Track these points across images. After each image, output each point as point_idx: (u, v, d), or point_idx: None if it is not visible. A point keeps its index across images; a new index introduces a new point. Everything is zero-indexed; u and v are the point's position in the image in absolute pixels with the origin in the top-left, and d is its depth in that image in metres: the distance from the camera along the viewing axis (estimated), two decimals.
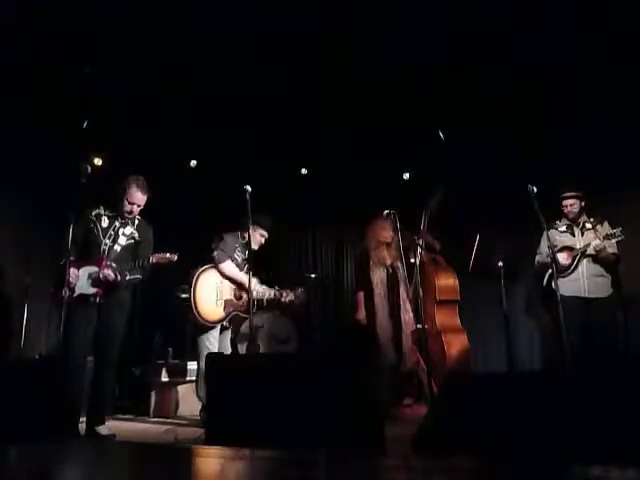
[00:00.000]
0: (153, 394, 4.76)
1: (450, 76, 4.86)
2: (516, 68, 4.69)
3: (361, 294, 4.48)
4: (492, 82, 4.86)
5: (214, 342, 4.04)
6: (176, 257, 3.64)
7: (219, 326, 4.07)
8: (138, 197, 3.65)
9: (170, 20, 4.24)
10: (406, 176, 6.45)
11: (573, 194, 4.42)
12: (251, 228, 3.98)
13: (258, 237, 4.22)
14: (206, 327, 4.03)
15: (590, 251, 4.28)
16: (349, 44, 4.53)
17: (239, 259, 4.22)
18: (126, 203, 3.64)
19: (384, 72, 4.90)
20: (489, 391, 1.49)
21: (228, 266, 4.10)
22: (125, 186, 3.64)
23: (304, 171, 6.43)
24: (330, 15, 4.17)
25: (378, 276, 4.42)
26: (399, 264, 4.40)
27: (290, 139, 5.67)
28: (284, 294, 4.18)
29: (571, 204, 4.41)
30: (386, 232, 4.40)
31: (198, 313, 3.98)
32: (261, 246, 4.28)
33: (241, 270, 4.17)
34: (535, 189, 3.77)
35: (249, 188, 3.69)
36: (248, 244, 3.84)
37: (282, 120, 5.44)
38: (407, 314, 4.33)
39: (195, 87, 5.03)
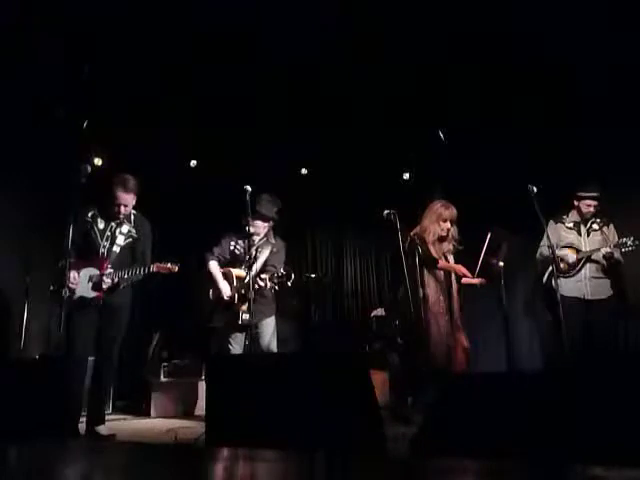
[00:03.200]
0: (153, 394, 4.76)
1: (450, 76, 4.86)
2: (516, 68, 4.69)
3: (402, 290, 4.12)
4: (492, 82, 4.86)
5: (235, 345, 4.07)
6: (177, 268, 3.62)
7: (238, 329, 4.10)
8: (123, 197, 3.59)
9: (170, 19, 4.24)
10: (406, 176, 6.46)
11: (595, 195, 4.35)
12: (252, 222, 4.00)
13: (262, 229, 4.17)
14: (226, 330, 4.09)
15: (597, 257, 4.26)
16: (349, 43, 4.53)
17: (238, 252, 4.21)
18: (114, 204, 3.61)
19: (384, 72, 4.90)
20: (489, 391, 1.49)
21: (211, 267, 4.19)
22: (111, 187, 3.60)
23: (304, 171, 6.44)
24: (330, 14, 4.17)
25: (429, 270, 4.12)
26: (451, 256, 4.21)
27: (290, 139, 5.67)
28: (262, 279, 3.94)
29: (595, 205, 4.35)
30: (444, 224, 4.14)
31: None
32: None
33: (243, 261, 4.14)
34: (535, 189, 3.77)
35: (249, 188, 3.69)
36: (249, 243, 3.84)
37: (282, 120, 5.44)
38: (460, 312, 4.11)
39: (195, 87, 5.03)
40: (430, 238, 4.15)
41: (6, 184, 4.95)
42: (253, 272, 3.99)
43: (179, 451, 1.63)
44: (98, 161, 5.41)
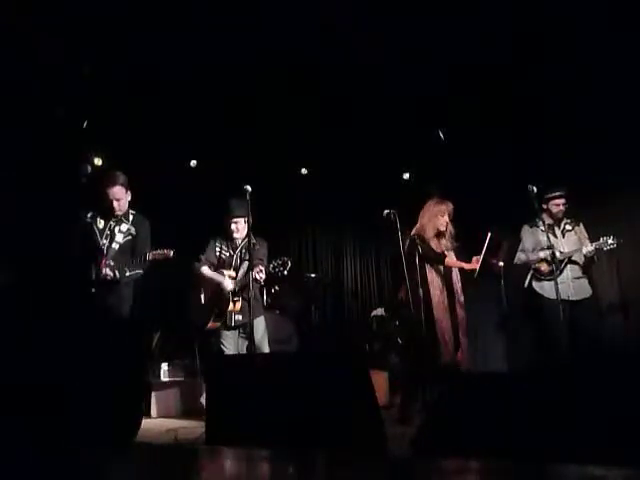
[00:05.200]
0: (153, 394, 4.76)
1: (451, 76, 4.86)
2: (517, 68, 4.70)
3: (404, 291, 4.04)
4: (492, 82, 4.86)
5: (229, 346, 4.08)
6: (172, 253, 3.66)
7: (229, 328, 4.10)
8: (113, 192, 3.66)
9: (170, 19, 4.24)
10: (406, 176, 6.46)
11: (564, 194, 4.44)
12: (227, 222, 4.12)
13: (232, 227, 4.19)
14: (218, 331, 4.10)
15: (576, 257, 4.32)
16: (349, 43, 4.53)
17: (224, 256, 4.24)
18: (108, 201, 3.68)
19: (384, 72, 4.90)
20: (489, 391, 1.49)
21: (204, 271, 4.20)
22: (101, 186, 3.69)
23: (304, 171, 6.44)
24: (330, 15, 4.17)
25: (432, 268, 4.05)
26: (451, 254, 4.15)
27: (290, 139, 5.67)
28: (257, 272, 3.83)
29: (563, 203, 4.44)
30: (442, 218, 4.12)
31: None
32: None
33: (230, 263, 4.19)
34: (535, 189, 3.80)
35: (249, 188, 3.69)
36: (248, 243, 3.84)
37: (282, 120, 5.44)
38: (462, 309, 4.06)
39: (195, 87, 5.03)
40: (430, 234, 4.13)
41: (6, 183, 4.95)
42: (242, 272, 4.07)
43: (179, 451, 1.63)
44: (98, 161, 5.41)
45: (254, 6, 4.08)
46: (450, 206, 4.17)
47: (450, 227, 4.18)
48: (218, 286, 4.12)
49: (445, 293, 4.06)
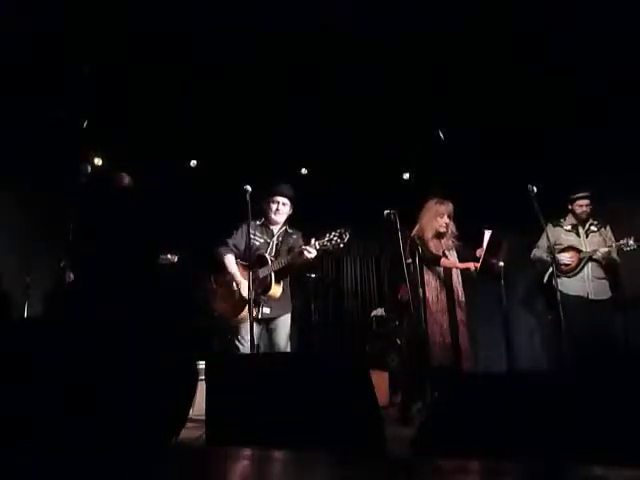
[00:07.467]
0: None
1: (450, 75, 4.86)
2: (516, 68, 4.69)
3: (405, 291, 4.02)
4: (495, 82, 4.86)
5: (245, 344, 3.89)
6: (176, 258, 3.68)
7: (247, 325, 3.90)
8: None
9: (171, 19, 4.24)
10: (406, 176, 6.46)
11: (588, 195, 4.46)
12: (268, 202, 3.97)
13: (275, 208, 3.99)
14: (235, 326, 3.83)
15: (597, 256, 4.32)
16: (349, 44, 4.53)
17: (258, 243, 3.95)
18: None
19: (384, 71, 4.90)
20: (489, 391, 1.49)
21: (227, 263, 3.91)
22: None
23: (304, 171, 6.43)
24: (330, 15, 4.17)
25: (430, 269, 4.07)
26: (452, 253, 4.15)
27: (290, 139, 5.67)
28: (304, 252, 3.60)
29: (587, 204, 4.46)
30: (442, 219, 4.11)
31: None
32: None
33: (266, 249, 3.95)
34: (535, 189, 3.79)
35: (249, 188, 3.68)
36: (247, 241, 3.81)
37: (282, 120, 5.44)
38: (462, 311, 4.06)
39: (196, 87, 5.03)
40: (429, 235, 4.13)
41: (6, 184, 4.95)
42: (282, 256, 3.87)
43: (179, 451, 1.63)
44: (98, 161, 5.41)
45: (254, 3, 4.08)
46: (450, 206, 4.16)
47: (452, 226, 4.18)
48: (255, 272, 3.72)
49: (444, 294, 4.06)
